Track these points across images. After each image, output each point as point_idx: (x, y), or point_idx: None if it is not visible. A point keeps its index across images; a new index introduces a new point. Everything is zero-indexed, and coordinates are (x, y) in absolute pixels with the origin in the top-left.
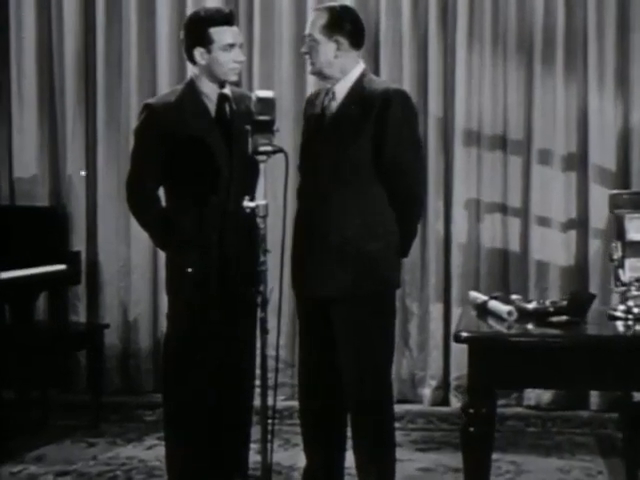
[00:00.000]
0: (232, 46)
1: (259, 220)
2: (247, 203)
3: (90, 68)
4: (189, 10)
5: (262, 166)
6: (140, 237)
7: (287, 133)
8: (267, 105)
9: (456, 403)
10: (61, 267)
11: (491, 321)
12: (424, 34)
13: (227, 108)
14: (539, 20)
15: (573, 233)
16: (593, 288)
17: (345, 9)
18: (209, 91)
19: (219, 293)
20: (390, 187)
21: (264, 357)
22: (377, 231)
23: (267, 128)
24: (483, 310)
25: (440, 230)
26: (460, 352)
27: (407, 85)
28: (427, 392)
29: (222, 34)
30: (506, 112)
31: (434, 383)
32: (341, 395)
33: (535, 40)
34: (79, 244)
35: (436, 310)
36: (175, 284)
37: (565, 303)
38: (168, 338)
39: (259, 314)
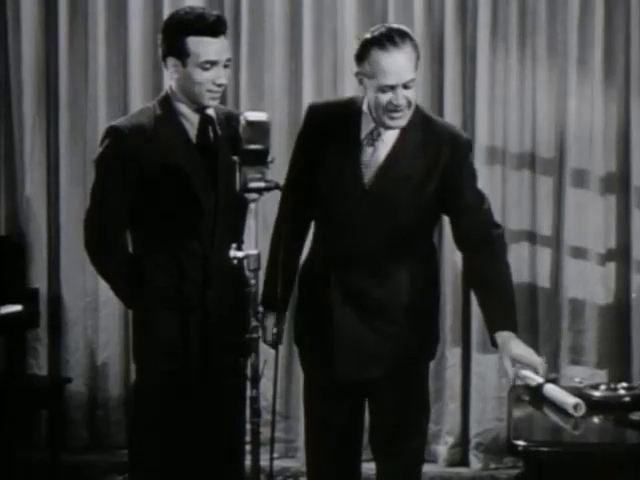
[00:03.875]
0: (213, 64)
1: (249, 274)
2: (235, 253)
3: (51, 72)
4: (166, 4)
5: (252, 206)
6: None
7: (281, 162)
8: (259, 131)
9: (476, 464)
10: (16, 308)
11: (551, 413)
12: (439, 33)
13: (211, 133)
14: (574, 17)
15: (613, 266)
16: (637, 331)
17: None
18: (188, 111)
19: (200, 366)
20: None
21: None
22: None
23: (259, 159)
24: (538, 396)
25: (457, 263)
26: (481, 404)
27: (419, 93)
28: (443, 450)
29: (202, 47)
30: (535, 125)
31: (451, 440)
32: None
33: (569, 41)
34: (39, 278)
35: (453, 355)
36: (144, 353)
37: None
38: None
39: (249, 392)
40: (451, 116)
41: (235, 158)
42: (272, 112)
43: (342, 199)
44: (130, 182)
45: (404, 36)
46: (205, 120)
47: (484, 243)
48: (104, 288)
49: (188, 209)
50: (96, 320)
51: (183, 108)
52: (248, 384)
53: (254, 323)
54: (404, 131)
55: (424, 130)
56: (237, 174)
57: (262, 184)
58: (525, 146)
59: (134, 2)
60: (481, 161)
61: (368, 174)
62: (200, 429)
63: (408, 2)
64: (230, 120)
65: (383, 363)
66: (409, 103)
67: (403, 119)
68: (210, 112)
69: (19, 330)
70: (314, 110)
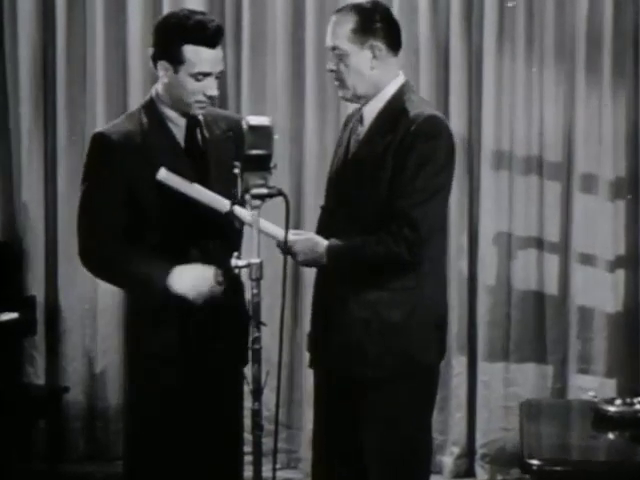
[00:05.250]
0: (206, 75)
1: (252, 284)
2: (236, 261)
3: (49, 74)
4: (165, 5)
5: (255, 214)
6: None
7: (283, 167)
8: (262, 135)
9: (483, 475)
10: (13, 316)
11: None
12: (445, 35)
13: (199, 136)
14: (582, 19)
15: (622, 273)
16: None
17: (374, 3)
18: (175, 115)
19: (198, 375)
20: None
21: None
22: (401, 296)
23: (262, 165)
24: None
25: (464, 269)
26: (487, 413)
27: (425, 97)
28: (448, 461)
29: (198, 57)
30: (542, 129)
31: (456, 450)
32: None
33: (577, 43)
34: (36, 285)
35: (459, 364)
36: (139, 364)
37: None
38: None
39: (252, 405)
40: (457, 120)
41: (236, 163)
42: (274, 115)
43: (333, 173)
44: (122, 191)
45: None
46: (193, 123)
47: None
48: (102, 295)
49: (181, 215)
50: (94, 328)
51: (170, 112)
52: (250, 396)
53: (256, 334)
54: (383, 110)
55: (400, 107)
56: (239, 180)
57: (265, 190)
58: (532, 150)
59: (133, 2)
60: (487, 166)
61: (350, 152)
62: (199, 439)
63: (413, 5)
64: (218, 122)
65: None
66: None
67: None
68: (197, 115)
69: (16, 338)
70: (349, 116)
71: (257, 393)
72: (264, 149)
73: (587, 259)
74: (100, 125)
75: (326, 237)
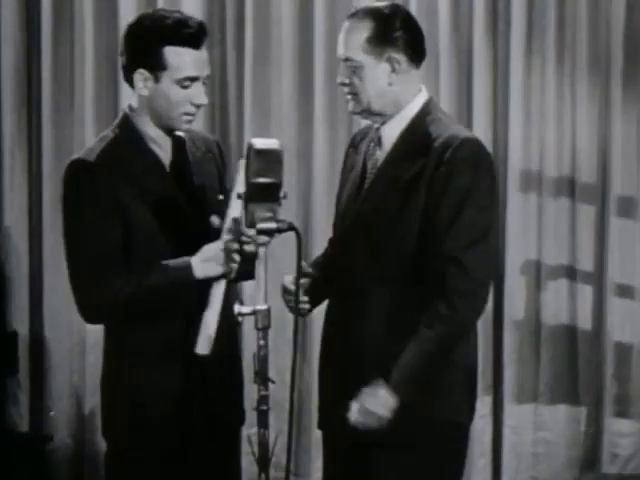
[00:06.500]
0: (193, 80)
1: (258, 334)
2: (239, 308)
3: (34, 87)
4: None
5: (261, 252)
6: None
7: (292, 196)
8: (270, 161)
9: None
10: None
11: None
12: (467, 43)
13: (186, 157)
14: (619, 26)
15: None
16: None
17: (394, 8)
18: (157, 134)
19: (187, 436)
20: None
21: None
22: None
23: (270, 195)
24: None
25: (488, 302)
26: (515, 461)
27: (445, 109)
28: None
29: (182, 59)
30: (575, 147)
31: None
32: None
33: (614, 53)
34: (19, 316)
35: (484, 405)
36: (121, 421)
37: None
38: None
39: (258, 477)
40: (480, 137)
41: (239, 192)
42: (279, 132)
43: (346, 204)
44: (113, 221)
45: None
46: (179, 143)
47: (436, 285)
48: (92, 328)
49: (173, 248)
50: (83, 364)
51: (151, 131)
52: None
53: (263, 392)
54: (406, 132)
55: (426, 129)
56: (242, 211)
57: (273, 225)
58: (564, 170)
59: (124, 4)
60: (514, 188)
61: (368, 179)
62: None
63: (432, 11)
64: (195, 141)
65: None
66: None
67: None
68: (181, 134)
69: None
70: (356, 136)
71: (264, 463)
72: (273, 177)
73: (624, 290)
74: (89, 141)
75: (342, 282)
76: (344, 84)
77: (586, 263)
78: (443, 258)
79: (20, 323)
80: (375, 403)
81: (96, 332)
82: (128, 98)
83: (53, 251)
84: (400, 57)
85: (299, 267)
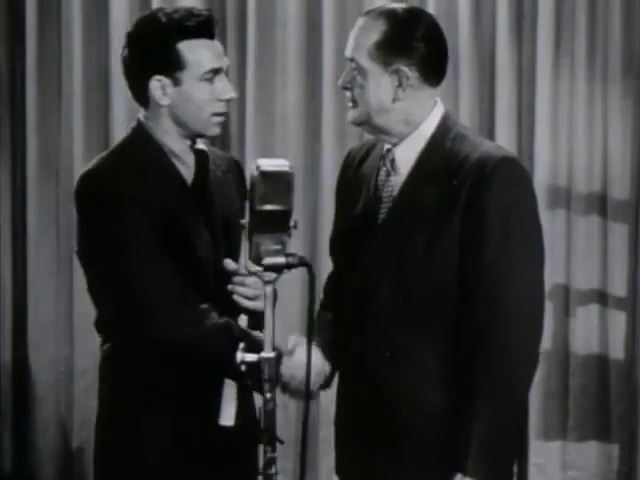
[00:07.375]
0: (217, 72)
1: (265, 386)
2: (242, 356)
3: (17, 91)
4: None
5: (268, 290)
6: (88, 333)
7: (301, 223)
8: (278, 185)
9: None
10: None
11: None
12: (490, 48)
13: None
14: None
15: None
16: None
17: (416, 14)
18: (180, 148)
19: None
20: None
21: None
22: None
23: (278, 224)
24: None
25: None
26: None
27: (465, 119)
28: None
29: (200, 52)
30: (607, 161)
31: None
32: None
33: None
34: (2, 344)
35: None
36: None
37: None
38: None
39: None
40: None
41: (243, 222)
42: (284, 145)
43: (355, 238)
44: (148, 228)
45: None
46: (202, 157)
47: (477, 343)
48: (80, 355)
49: (192, 274)
50: (70, 395)
51: (174, 145)
52: None
53: (270, 454)
54: (425, 154)
55: (450, 148)
56: (246, 244)
57: (282, 260)
58: (594, 186)
59: (116, 5)
60: (541, 205)
61: (382, 210)
62: None
63: (452, 13)
64: (216, 161)
65: None
66: None
67: None
68: (202, 146)
69: None
70: (351, 153)
71: None
72: (281, 204)
73: None
74: (77, 153)
75: (365, 332)
76: (345, 88)
77: (619, 287)
78: (485, 287)
79: (2, 352)
80: None
81: (85, 359)
82: (119, 105)
83: (38, 272)
84: (411, 72)
85: (310, 308)
